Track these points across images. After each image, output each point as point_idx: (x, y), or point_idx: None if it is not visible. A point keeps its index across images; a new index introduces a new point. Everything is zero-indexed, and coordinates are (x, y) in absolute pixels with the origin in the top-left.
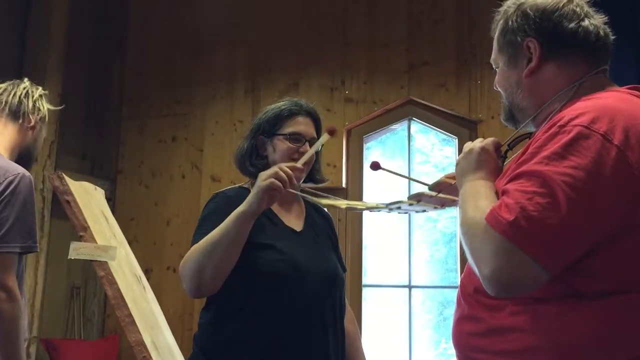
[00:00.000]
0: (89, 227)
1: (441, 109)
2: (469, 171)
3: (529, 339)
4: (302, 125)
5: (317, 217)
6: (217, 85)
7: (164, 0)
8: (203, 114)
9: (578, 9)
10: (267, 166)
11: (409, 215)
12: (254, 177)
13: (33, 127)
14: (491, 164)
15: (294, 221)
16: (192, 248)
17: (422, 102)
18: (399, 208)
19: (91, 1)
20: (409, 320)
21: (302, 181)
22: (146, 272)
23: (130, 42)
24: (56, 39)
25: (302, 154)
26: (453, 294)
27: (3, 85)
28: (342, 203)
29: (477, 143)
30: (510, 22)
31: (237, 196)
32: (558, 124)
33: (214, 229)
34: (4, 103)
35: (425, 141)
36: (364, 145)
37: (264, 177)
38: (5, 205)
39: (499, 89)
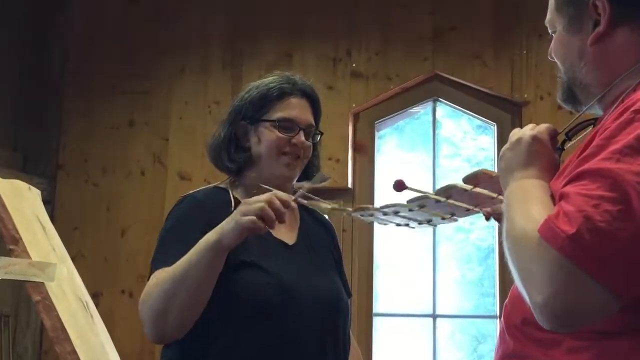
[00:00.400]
0: (20, 238)
1: (475, 87)
2: (518, 166)
3: None
4: (295, 108)
5: (314, 227)
6: (187, 56)
7: None
8: (168, 92)
9: None
10: (249, 160)
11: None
12: (232, 173)
13: None
14: (545, 157)
15: (285, 232)
16: (153, 281)
17: (451, 78)
18: (422, 208)
19: None
20: (433, 358)
21: (295, 180)
22: (94, 296)
23: (75, 3)
24: None
25: (295, 146)
26: (490, 326)
27: None
28: (327, 205)
29: (528, 131)
30: None
31: (210, 200)
32: (633, 109)
33: (179, 248)
34: None
35: (454, 128)
36: (376, 133)
37: (247, 211)
38: None
39: (556, 60)
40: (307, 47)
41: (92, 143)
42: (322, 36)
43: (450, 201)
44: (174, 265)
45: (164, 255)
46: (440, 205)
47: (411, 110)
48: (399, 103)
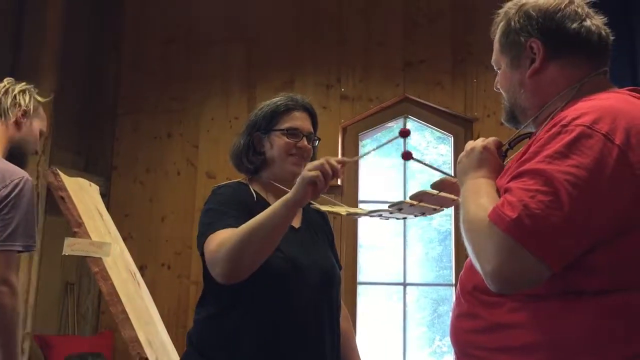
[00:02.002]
0: (83, 223)
1: (437, 107)
2: (471, 169)
3: (528, 335)
4: (298, 120)
5: (314, 214)
6: (213, 82)
7: None
8: (198, 110)
9: (580, 10)
10: (264, 162)
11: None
12: (250, 173)
13: (17, 123)
14: (493, 162)
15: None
16: (221, 235)
17: (418, 100)
18: (400, 210)
19: None
20: (403, 318)
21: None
22: (141, 268)
23: (126, 38)
24: (51, 35)
25: (300, 149)
26: (447, 292)
27: None
28: (343, 210)
29: (479, 142)
30: (512, 23)
31: (238, 190)
32: (560, 124)
33: (229, 217)
34: None
35: (420, 139)
36: (360, 142)
37: (310, 168)
38: (11, 208)
39: (501, 90)
40: (306, 76)
41: (139, 150)
42: (318, 68)
43: (422, 204)
44: (246, 223)
45: (219, 222)
46: (414, 207)
47: (387, 124)
48: (377, 119)
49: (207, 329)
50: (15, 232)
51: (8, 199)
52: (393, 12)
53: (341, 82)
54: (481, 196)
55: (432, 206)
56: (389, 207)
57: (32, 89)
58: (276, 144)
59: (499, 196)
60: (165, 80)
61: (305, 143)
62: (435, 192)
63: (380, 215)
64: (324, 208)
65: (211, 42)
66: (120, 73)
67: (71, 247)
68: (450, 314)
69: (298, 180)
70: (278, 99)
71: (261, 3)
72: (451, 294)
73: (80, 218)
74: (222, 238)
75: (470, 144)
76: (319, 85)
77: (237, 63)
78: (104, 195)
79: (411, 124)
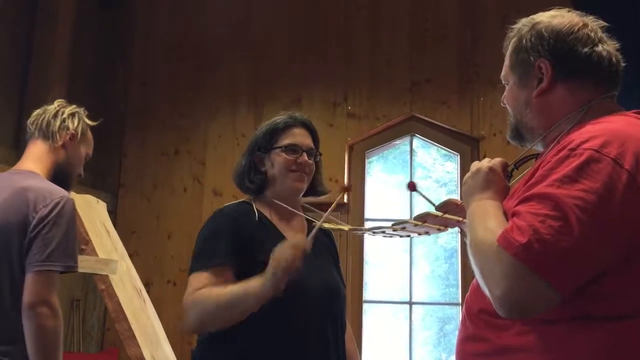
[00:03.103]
0: (90, 240)
1: (443, 125)
2: (477, 191)
3: (535, 359)
4: (298, 136)
5: (320, 234)
6: (220, 99)
7: (168, 14)
8: (206, 127)
9: (592, 34)
10: (264, 182)
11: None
12: (253, 193)
13: (64, 146)
14: (499, 184)
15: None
16: (203, 295)
17: (425, 118)
18: (403, 229)
19: (95, 13)
20: (409, 337)
21: (302, 194)
22: (147, 285)
23: (134, 55)
24: (60, 51)
25: (300, 164)
26: (453, 311)
27: (39, 110)
28: (345, 226)
29: (485, 163)
30: (524, 41)
31: (238, 212)
32: (568, 147)
33: (214, 255)
34: (36, 126)
35: (426, 157)
36: (366, 160)
37: (279, 266)
38: (51, 227)
39: (507, 106)
40: (313, 94)
41: (146, 166)
42: (325, 86)
43: (426, 224)
44: (218, 294)
45: (202, 262)
46: (418, 227)
47: (393, 142)
48: (384, 137)
49: (210, 349)
50: (55, 252)
51: (48, 218)
52: (400, 31)
53: (348, 100)
54: (489, 219)
55: (436, 226)
56: (393, 225)
57: (82, 112)
58: (276, 162)
59: (506, 219)
60: (172, 97)
61: (306, 158)
62: (439, 214)
63: (383, 232)
64: (327, 225)
65: (219, 60)
66: (128, 89)
67: (78, 264)
68: (456, 336)
69: (268, 273)
70: (277, 118)
71: (269, 21)
72: (457, 312)
73: (88, 235)
74: (199, 297)
75: (475, 165)
76: (326, 103)
77: (244, 80)
78: (111, 212)
79: (417, 142)
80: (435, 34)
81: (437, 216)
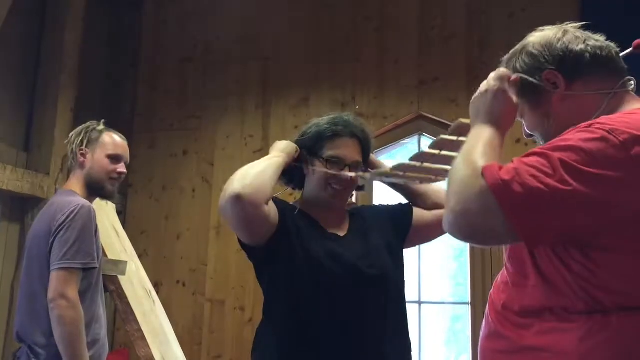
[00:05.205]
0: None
1: (451, 124)
2: (481, 114)
3: (555, 359)
4: (344, 148)
5: (360, 220)
6: (229, 100)
7: (177, 16)
8: (214, 128)
9: (578, 34)
10: (302, 179)
11: None
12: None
13: (81, 165)
14: (506, 106)
15: (336, 229)
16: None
17: (433, 117)
18: (402, 174)
19: (105, 17)
20: (418, 336)
21: (344, 205)
22: (156, 286)
23: (143, 57)
24: (69, 54)
25: (340, 179)
26: (463, 310)
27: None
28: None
29: (492, 82)
30: (519, 68)
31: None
32: (583, 125)
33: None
34: (70, 153)
35: None
36: None
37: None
38: (66, 230)
39: (532, 133)
40: (321, 94)
41: (155, 168)
42: (333, 85)
43: (426, 164)
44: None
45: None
46: (418, 169)
47: (402, 142)
48: (392, 137)
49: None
50: (70, 251)
51: (64, 223)
52: (408, 31)
53: (356, 100)
54: (486, 146)
55: (435, 172)
56: (410, 160)
57: (90, 126)
58: (317, 171)
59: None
60: (181, 99)
61: (347, 173)
62: (435, 151)
63: (401, 174)
64: (382, 171)
65: (227, 61)
66: (136, 91)
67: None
68: (481, 333)
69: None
70: (327, 121)
71: (276, 22)
72: (466, 312)
73: None
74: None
75: (484, 85)
76: (334, 103)
77: (252, 81)
78: (120, 213)
79: (425, 141)
80: (443, 32)
81: (433, 155)
